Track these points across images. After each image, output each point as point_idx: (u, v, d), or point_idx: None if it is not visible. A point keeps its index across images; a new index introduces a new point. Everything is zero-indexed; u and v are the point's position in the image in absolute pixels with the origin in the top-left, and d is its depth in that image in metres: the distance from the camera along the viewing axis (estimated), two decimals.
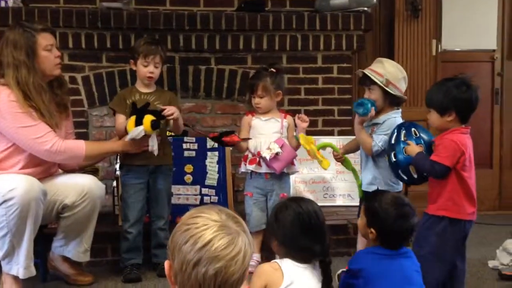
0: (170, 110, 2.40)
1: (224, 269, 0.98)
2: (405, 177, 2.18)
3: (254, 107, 2.63)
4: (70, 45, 3.05)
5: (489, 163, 3.98)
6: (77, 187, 2.27)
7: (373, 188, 2.35)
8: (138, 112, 2.36)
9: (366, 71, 2.37)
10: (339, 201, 3.24)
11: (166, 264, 1.04)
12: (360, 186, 2.46)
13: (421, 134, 2.18)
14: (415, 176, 2.15)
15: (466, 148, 2.05)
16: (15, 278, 2.15)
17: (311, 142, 2.48)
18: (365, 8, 3.31)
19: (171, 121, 2.46)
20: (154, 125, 2.32)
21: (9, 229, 2.07)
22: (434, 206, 2.05)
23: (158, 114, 2.37)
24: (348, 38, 3.32)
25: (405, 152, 2.13)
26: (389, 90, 2.32)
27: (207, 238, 0.99)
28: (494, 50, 3.94)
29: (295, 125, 2.63)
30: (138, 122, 2.34)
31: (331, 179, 3.27)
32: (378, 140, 2.31)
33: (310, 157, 2.53)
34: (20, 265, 2.11)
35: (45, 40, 2.27)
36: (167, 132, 2.91)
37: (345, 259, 2.77)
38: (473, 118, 3.88)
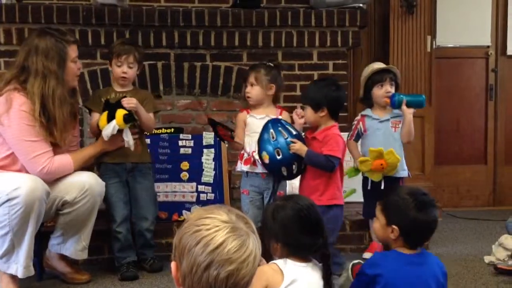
0: (129, 100, 2.38)
1: (235, 271, 0.96)
2: (285, 173, 2.33)
3: (246, 99, 2.61)
4: None
5: (484, 159, 4.01)
6: (78, 184, 2.26)
7: (404, 173, 2.65)
8: (110, 108, 2.35)
9: (395, 70, 2.69)
10: None
11: (173, 265, 1.01)
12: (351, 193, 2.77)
13: (296, 131, 2.34)
14: (295, 171, 2.33)
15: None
16: (12, 277, 2.13)
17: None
18: (360, 5, 3.31)
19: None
20: (127, 118, 2.32)
21: (11, 228, 2.05)
22: (325, 197, 2.28)
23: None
24: (344, 34, 3.32)
25: (291, 150, 2.28)
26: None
27: (219, 241, 0.96)
28: (488, 46, 3.95)
29: (292, 121, 2.62)
30: (110, 118, 2.33)
31: None
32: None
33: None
34: (20, 264, 2.10)
35: (73, 52, 2.31)
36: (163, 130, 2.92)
37: (341, 255, 2.79)
38: (467, 114, 3.97)
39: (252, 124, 2.60)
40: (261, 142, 2.35)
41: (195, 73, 3.22)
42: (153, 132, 2.85)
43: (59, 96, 2.20)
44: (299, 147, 2.28)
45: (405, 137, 2.66)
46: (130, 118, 2.33)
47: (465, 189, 3.95)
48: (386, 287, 1.53)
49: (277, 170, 2.34)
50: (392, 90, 2.67)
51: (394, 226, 1.58)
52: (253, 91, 2.56)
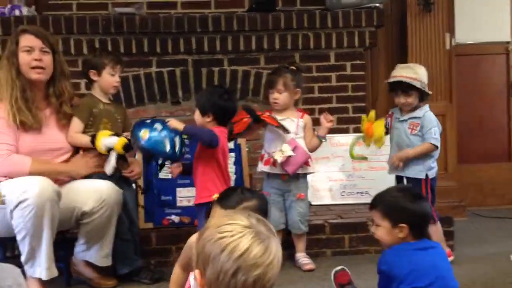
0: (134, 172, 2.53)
1: (262, 275, 0.97)
2: (168, 149, 2.24)
3: (271, 103, 2.63)
4: (85, 51, 3.07)
5: (508, 156, 3.93)
6: (95, 194, 2.28)
7: (421, 175, 2.59)
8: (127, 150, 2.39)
9: (406, 80, 2.57)
10: (357, 199, 3.22)
11: (197, 273, 1.02)
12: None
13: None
14: (177, 147, 2.27)
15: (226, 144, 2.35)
16: (41, 282, 2.16)
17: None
18: (377, 4, 3.29)
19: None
20: (126, 147, 2.36)
21: (27, 231, 2.08)
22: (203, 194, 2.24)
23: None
24: (360, 35, 3.31)
25: (169, 126, 2.24)
26: (426, 90, 2.60)
27: (245, 246, 0.97)
28: (508, 42, 3.89)
29: (318, 124, 2.64)
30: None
31: (348, 177, 3.25)
32: (433, 134, 2.58)
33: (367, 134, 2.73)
34: (42, 267, 2.13)
35: (25, 41, 2.30)
36: None
37: (365, 257, 2.77)
38: (489, 111, 3.91)
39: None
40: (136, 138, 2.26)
41: (213, 78, 3.25)
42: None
43: (6, 79, 2.24)
44: (175, 123, 2.24)
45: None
46: (129, 147, 2.38)
47: (489, 187, 3.88)
48: (407, 279, 1.57)
49: (159, 144, 2.22)
50: (409, 100, 2.59)
51: (402, 225, 1.64)
52: (282, 97, 2.57)
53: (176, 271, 1.72)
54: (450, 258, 2.56)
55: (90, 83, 2.57)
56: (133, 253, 2.48)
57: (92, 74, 2.51)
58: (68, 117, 2.42)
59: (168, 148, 2.23)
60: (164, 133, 2.23)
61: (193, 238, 1.67)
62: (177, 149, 2.25)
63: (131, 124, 2.61)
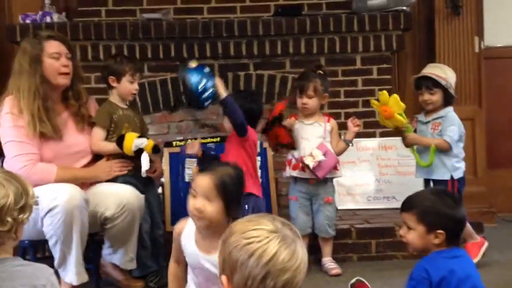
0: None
1: (291, 279, 0.98)
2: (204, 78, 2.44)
3: (299, 108, 2.62)
4: None
5: None
6: (116, 199, 2.29)
7: (448, 175, 2.56)
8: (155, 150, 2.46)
9: (433, 76, 2.58)
10: (384, 204, 3.18)
11: (224, 279, 1.02)
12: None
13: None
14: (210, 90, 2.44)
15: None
16: (72, 285, 2.19)
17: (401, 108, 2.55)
18: (404, 7, 3.27)
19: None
20: (155, 149, 2.44)
21: (58, 237, 2.12)
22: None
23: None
24: (387, 38, 3.28)
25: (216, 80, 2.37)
26: (451, 92, 2.59)
27: (272, 251, 0.98)
28: None
29: (345, 128, 2.63)
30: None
31: (374, 182, 3.22)
32: (449, 132, 2.55)
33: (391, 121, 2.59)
34: (72, 272, 2.16)
35: (51, 47, 2.32)
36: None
37: (392, 262, 2.74)
38: None
39: (301, 130, 2.61)
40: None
41: (239, 82, 3.26)
42: (200, 141, 2.92)
43: (29, 90, 2.23)
44: (221, 87, 2.31)
45: None
46: (157, 149, 2.47)
47: None
48: (443, 283, 1.52)
49: (196, 78, 2.39)
50: (433, 98, 2.59)
51: (439, 231, 1.56)
52: (311, 102, 2.57)
53: (172, 265, 1.79)
54: (484, 248, 2.65)
55: (109, 89, 2.58)
56: (148, 258, 2.49)
57: (111, 80, 2.53)
58: (85, 119, 2.44)
59: (200, 85, 2.39)
60: (210, 79, 2.39)
61: (176, 228, 1.71)
62: (205, 94, 2.39)
63: (147, 129, 2.67)
